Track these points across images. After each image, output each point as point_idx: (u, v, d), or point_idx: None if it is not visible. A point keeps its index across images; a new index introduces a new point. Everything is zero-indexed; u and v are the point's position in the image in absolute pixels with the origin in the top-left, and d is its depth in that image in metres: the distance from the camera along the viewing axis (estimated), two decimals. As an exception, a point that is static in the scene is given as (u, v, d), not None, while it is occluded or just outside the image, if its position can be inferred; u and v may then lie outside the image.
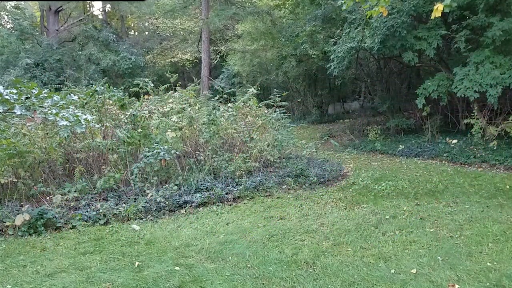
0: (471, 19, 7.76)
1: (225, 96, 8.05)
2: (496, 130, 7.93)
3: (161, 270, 3.10)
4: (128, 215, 4.59)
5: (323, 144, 9.64)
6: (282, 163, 6.77)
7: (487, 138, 8.03)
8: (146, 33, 28.41)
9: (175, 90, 8.00)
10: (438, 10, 4.08)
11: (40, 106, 4.78)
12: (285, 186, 5.91)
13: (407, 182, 6.02)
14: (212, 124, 6.34)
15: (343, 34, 10.04)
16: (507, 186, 5.52)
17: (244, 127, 6.91)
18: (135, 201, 4.90)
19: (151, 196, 5.01)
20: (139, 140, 5.64)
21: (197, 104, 7.67)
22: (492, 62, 7.36)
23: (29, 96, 4.53)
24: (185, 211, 4.89)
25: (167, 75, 8.24)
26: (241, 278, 2.95)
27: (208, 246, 3.64)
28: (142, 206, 4.73)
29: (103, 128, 5.98)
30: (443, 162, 7.84)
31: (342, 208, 4.84)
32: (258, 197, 5.44)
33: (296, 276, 2.96)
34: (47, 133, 5.67)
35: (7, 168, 5.15)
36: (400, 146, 9.29)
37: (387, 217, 4.37)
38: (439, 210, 4.56)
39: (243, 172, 6.08)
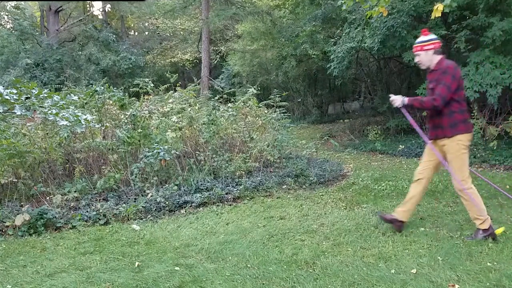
0: (471, 19, 7.76)
1: (225, 96, 8.05)
2: (496, 130, 7.93)
3: (161, 270, 3.10)
4: (128, 215, 4.59)
5: (323, 144, 9.65)
6: (282, 163, 6.77)
7: (487, 138, 8.03)
8: (146, 33, 28.41)
9: (175, 90, 8.00)
10: (438, 10, 4.09)
11: (40, 106, 4.78)
12: (285, 186, 5.91)
13: (407, 182, 6.01)
14: (212, 124, 6.34)
15: (343, 34, 10.05)
16: (507, 186, 5.52)
17: (244, 127, 6.91)
18: (135, 201, 4.90)
19: (151, 196, 5.00)
20: (139, 140, 5.64)
21: (197, 104, 7.67)
22: (492, 62, 7.36)
23: (29, 96, 4.53)
24: (185, 211, 4.89)
25: (167, 75, 8.23)
26: (241, 278, 2.95)
27: (208, 246, 3.63)
28: (142, 206, 4.73)
29: (103, 128, 5.98)
30: (443, 162, 7.83)
31: (342, 208, 4.84)
32: (258, 197, 5.44)
33: (296, 276, 2.96)
34: (47, 133, 5.66)
35: (7, 168, 5.15)
36: (400, 146, 9.29)
37: (387, 217, 4.36)
38: (439, 210, 4.56)
39: (243, 172, 6.08)
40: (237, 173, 6.01)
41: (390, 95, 3.69)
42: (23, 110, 4.31)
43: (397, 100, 3.59)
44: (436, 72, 3.41)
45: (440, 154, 3.57)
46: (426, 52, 3.44)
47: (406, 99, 3.57)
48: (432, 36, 3.48)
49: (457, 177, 3.44)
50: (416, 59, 3.56)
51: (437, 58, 3.44)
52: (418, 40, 3.53)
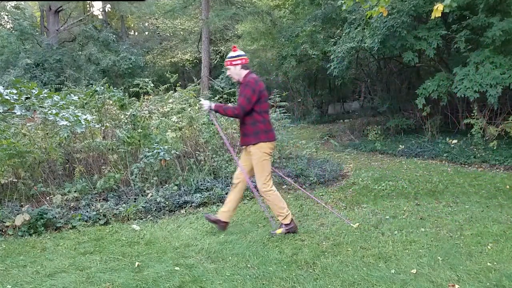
0: (471, 19, 7.76)
1: (225, 96, 8.04)
2: (496, 130, 7.93)
3: (161, 270, 3.10)
4: (128, 215, 4.59)
5: (323, 144, 9.65)
6: (282, 163, 6.77)
7: (487, 138, 8.04)
8: (146, 33, 28.42)
9: (175, 90, 7.99)
10: (438, 10, 4.09)
11: (40, 106, 4.77)
12: (285, 186, 5.91)
13: (407, 182, 6.02)
14: (212, 124, 6.34)
15: (343, 34, 10.04)
16: (507, 186, 5.52)
17: (244, 127, 6.90)
18: (135, 201, 4.90)
19: (151, 196, 5.00)
20: (139, 140, 5.64)
21: (197, 104, 7.66)
22: (492, 62, 7.36)
23: (29, 96, 4.53)
24: (185, 211, 4.89)
25: (167, 75, 8.22)
26: (241, 278, 2.95)
27: (208, 246, 3.64)
28: (142, 206, 4.73)
29: (103, 128, 5.98)
30: (443, 162, 7.84)
31: (342, 208, 4.84)
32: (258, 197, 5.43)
33: (296, 276, 2.96)
34: (47, 133, 5.66)
35: (7, 168, 5.15)
36: (400, 146, 9.29)
37: (387, 217, 4.37)
38: (439, 210, 4.56)
39: (243, 172, 6.07)
40: (237, 173, 6.01)
41: (200, 98, 3.84)
42: (23, 110, 4.31)
43: (205, 104, 3.85)
44: (242, 85, 3.76)
45: (245, 161, 3.92)
46: (235, 67, 3.79)
47: (213, 105, 3.83)
48: (241, 52, 3.84)
49: (259, 181, 3.82)
50: (228, 73, 3.89)
51: (244, 72, 3.80)
52: (228, 55, 3.86)
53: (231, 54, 3.82)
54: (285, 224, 3.88)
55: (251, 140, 3.76)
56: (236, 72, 3.80)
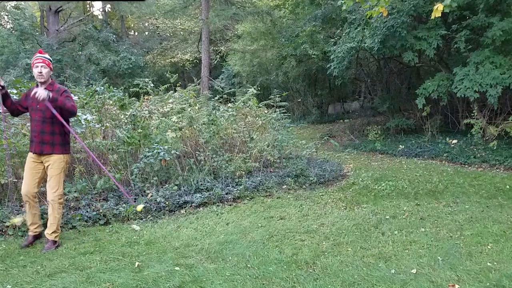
0: (471, 19, 7.77)
1: (225, 96, 8.05)
2: (496, 130, 7.94)
3: (161, 270, 3.10)
4: (128, 215, 4.59)
5: (323, 144, 9.65)
6: (282, 163, 6.77)
7: (487, 138, 8.04)
8: (146, 33, 28.43)
9: (175, 90, 7.99)
10: (438, 10, 4.09)
11: (40, 106, 4.77)
12: (285, 186, 5.91)
13: (407, 182, 6.02)
14: (212, 124, 6.34)
15: (343, 34, 10.05)
16: (507, 186, 5.52)
17: (244, 127, 6.91)
18: (135, 201, 4.90)
19: (151, 196, 5.00)
20: (139, 140, 5.64)
21: (197, 104, 7.67)
22: (492, 62, 7.36)
23: (29, 96, 4.52)
24: (185, 211, 4.89)
25: (167, 75, 8.22)
26: (241, 278, 2.95)
27: (208, 246, 3.64)
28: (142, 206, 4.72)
29: (103, 128, 5.98)
30: (443, 162, 7.84)
31: (342, 208, 4.84)
32: (258, 197, 5.44)
33: (296, 276, 2.96)
34: (47, 133, 5.65)
35: (7, 168, 5.14)
36: (400, 146, 9.29)
37: (387, 217, 4.37)
38: (439, 210, 4.56)
39: (243, 172, 6.07)
40: (237, 173, 6.01)
41: (35, 89, 3.62)
42: (23, 110, 4.30)
43: (42, 92, 3.50)
44: (55, 86, 3.77)
45: (33, 169, 3.78)
46: (50, 70, 3.78)
47: (51, 93, 3.59)
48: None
49: (58, 190, 3.80)
50: (44, 71, 3.70)
51: (50, 78, 3.85)
52: (46, 56, 3.78)
53: (50, 57, 3.84)
54: (54, 241, 3.73)
55: (57, 149, 3.74)
56: (48, 75, 3.76)
